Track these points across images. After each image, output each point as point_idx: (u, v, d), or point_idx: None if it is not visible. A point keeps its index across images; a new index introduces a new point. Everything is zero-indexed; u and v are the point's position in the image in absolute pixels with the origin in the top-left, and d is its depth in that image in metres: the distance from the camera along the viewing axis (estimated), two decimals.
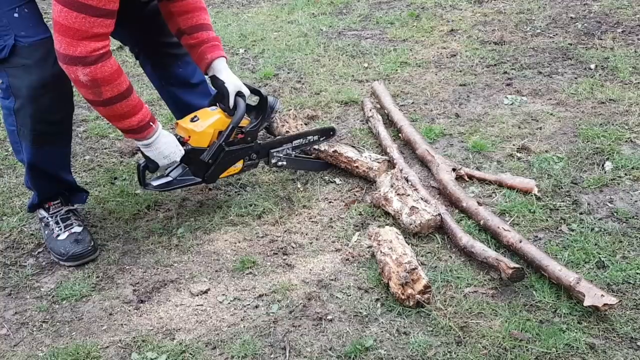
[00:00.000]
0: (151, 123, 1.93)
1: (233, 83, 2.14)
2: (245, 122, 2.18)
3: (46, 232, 2.12)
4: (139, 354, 1.66)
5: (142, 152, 2.03)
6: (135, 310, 1.83)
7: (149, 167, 2.04)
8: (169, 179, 2.11)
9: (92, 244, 2.06)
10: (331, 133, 2.47)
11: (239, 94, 2.14)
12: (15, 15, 1.74)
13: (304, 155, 2.48)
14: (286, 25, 4.27)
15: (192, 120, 2.11)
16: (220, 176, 2.20)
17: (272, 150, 2.33)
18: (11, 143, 2.07)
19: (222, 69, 2.14)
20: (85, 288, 1.92)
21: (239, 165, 2.23)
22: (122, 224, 2.24)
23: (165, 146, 1.98)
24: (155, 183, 2.10)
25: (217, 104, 2.18)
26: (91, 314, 1.83)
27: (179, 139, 2.06)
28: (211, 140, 2.12)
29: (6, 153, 2.79)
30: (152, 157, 1.99)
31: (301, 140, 2.40)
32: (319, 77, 3.37)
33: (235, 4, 4.91)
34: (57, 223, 2.11)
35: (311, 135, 2.42)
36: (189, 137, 2.09)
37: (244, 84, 2.18)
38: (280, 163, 2.35)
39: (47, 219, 2.13)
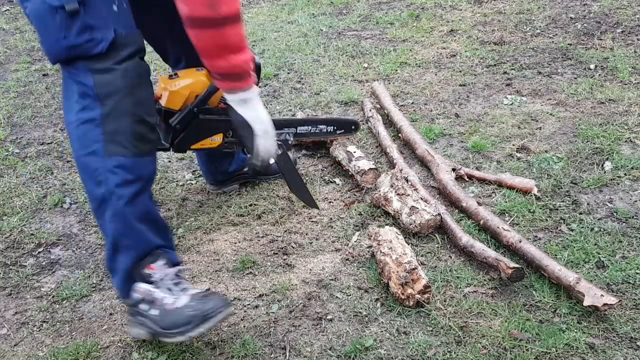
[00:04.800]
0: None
1: None
2: None
3: (152, 311, 1.54)
4: (139, 353, 1.66)
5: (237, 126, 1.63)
6: None
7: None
8: None
9: (222, 295, 1.67)
10: (353, 127, 2.12)
11: None
12: (115, 8, 1.51)
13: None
14: (286, 26, 4.27)
15: (170, 77, 1.85)
16: (193, 147, 1.95)
17: None
18: (86, 178, 1.52)
19: None
20: (85, 288, 1.92)
21: (218, 139, 1.99)
22: None
23: (260, 107, 1.65)
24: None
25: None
26: (91, 313, 1.83)
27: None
28: (184, 104, 1.87)
29: (6, 153, 2.79)
30: (253, 119, 1.63)
31: (309, 127, 2.09)
32: (319, 77, 3.37)
33: None
34: (169, 290, 1.57)
35: (324, 125, 2.10)
36: (161, 95, 1.84)
37: None
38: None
39: (152, 291, 1.55)
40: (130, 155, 1.48)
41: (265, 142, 1.66)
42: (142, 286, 1.53)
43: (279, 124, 2.07)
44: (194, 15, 1.45)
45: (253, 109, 1.63)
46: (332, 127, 2.16)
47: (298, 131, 2.07)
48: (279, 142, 2.00)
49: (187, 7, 1.45)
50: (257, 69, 1.94)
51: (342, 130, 2.18)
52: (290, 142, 2.05)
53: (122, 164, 1.48)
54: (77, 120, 1.49)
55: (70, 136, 1.51)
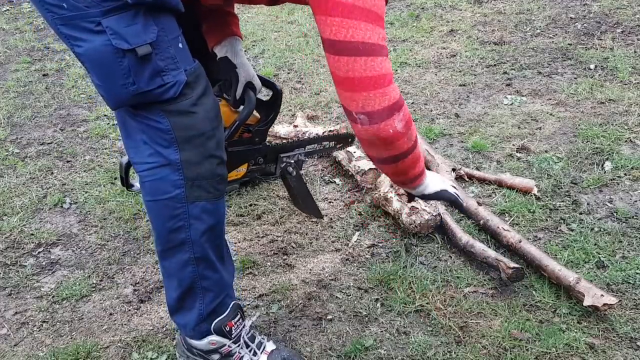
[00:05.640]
0: None
1: (246, 71, 1.84)
2: (252, 119, 1.94)
3: None
4: (139, 354, 1.66)
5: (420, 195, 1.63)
6: (136, 310, 1.83)
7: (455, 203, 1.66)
8: None
9: (297, 351, 1.64)
10: (350, 140, 2.29)
11: (249, 85, 1.87)
12: (180, 45, 1.33)
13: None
14: (286, 26, 4.27)
15: None
16: None
17: (281, 155, 2.09)
18: (161, 222, 1.38)
19: (239, 52, 1.84)
20: (85, 288, 1.92)
21: (242, 169, 2.01)
22: (123, 223, 2.24)
23: (435, 180, 1.60)
24: (139, 184, 1.90)
25: (223, 95, 1.89)
26: (91, 313, 1.83)
27: None
28: None
29: (6, 153, 2.79)
30: (439, 193, 1.59)
31: (316, 145, 2.18)
32: (319, 77, 3.37)
33: (235, 4, 4.91)
34: (247, 346, 1.54)
35: (327, 141, 2.22)
36: None
37: (257, 75, 1.91)
38: (290, 169, 2.07)
39: (230, 347, 1.51)
40: (213, 199, 1.39)
41: (452, 193, 1.61)
42: (217, 339, 1.48)
43: (290, 146, 2.10)
44: (399, 152, 1.40)
45: (433, 185, 1.58)
46: (333, 142, 2.26)
47: (306, 150, 2.14)
48: (293, 163, 2.04)
49: (390, 151, 1.40)
50: (278, 95, 1.94)
51: (341, 144, 2.30)
52: (302, 163, 2.12)
53: (207, 209, 1.38)
54: (151, 163, 1.34)
55: (140, 179, 1.38)
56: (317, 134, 2.50)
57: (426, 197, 1.62)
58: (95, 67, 1.25)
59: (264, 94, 1.96)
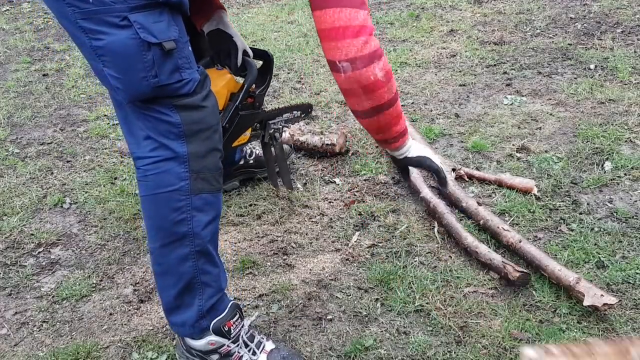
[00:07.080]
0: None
1: (240, 40, 1.93)
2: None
3: None
4: (139, 354, 1.66)
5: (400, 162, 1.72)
6: (136, 310, 1.83)
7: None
8: None
9: (297, 350, 1.64)
10: (309, 110, 2.48)
11: (245, 53, 1.97)
12: (190, 48, 1.40)
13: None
14: (286, 26, 4.27)
15: None
16: (232, 145, 2.04)
17: (269, 122, 2.23)
18: (161, 215, 1.39)
19: (228, 23, 1.91)
20: (85, 288, 1.93)
21: (248, 133, 2.11)
22: (123, 223, 2.24)
23: (416, 145, 1.69)
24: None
25: (220, 64, 1.99)
26: (91, 313, 1.83)
27: None
28: (225, 103, 1.91)
29: (6, 153, 2.79)
30: (421, 157, 1.69)
31: (289, 114, 2.33)
32: (319, 77, 3.37)
33: (235, 4, 4.91)
34: (246, 345, 1.55)
35: (296, 111, 2.39)
36: None
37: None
38: (277, 135, 2.22)
39: (229, 347, 1.52)
40: (216, 191, 1.43)
41: (438, 162, 1.71)
42: (216, 339, 1.48)
43: (274, 114, 2.25)
44: (380, 103, 1.49)
45: (416, 150, 1.67)
46: (298, 112, 2.42)
47: (284, 117, 2.30)
48: (279, 129, 2.20)
49: (371, 100, 1.48)
50: (270, 60, 2.07)
51: (304, 114, 2.45)
52: (285, 130, 2.28)
53: (209, 201, 1.41)
54: (155, 157, 1.36)
55: (142, 172, 1.39)
56: (286, 105, 2.66)
57: (408, 162, 1.69)
58: (116, 60, 1.28)
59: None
